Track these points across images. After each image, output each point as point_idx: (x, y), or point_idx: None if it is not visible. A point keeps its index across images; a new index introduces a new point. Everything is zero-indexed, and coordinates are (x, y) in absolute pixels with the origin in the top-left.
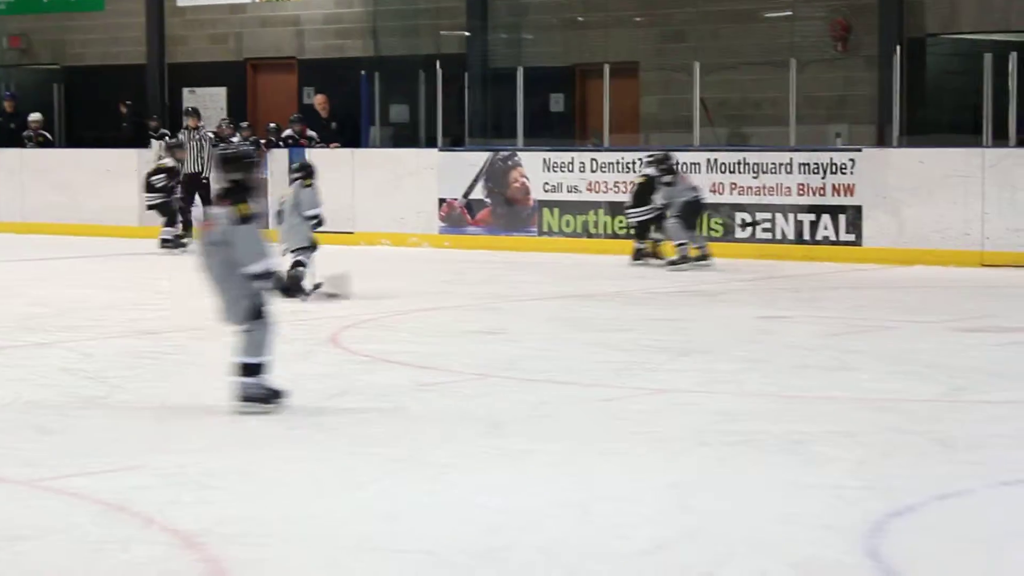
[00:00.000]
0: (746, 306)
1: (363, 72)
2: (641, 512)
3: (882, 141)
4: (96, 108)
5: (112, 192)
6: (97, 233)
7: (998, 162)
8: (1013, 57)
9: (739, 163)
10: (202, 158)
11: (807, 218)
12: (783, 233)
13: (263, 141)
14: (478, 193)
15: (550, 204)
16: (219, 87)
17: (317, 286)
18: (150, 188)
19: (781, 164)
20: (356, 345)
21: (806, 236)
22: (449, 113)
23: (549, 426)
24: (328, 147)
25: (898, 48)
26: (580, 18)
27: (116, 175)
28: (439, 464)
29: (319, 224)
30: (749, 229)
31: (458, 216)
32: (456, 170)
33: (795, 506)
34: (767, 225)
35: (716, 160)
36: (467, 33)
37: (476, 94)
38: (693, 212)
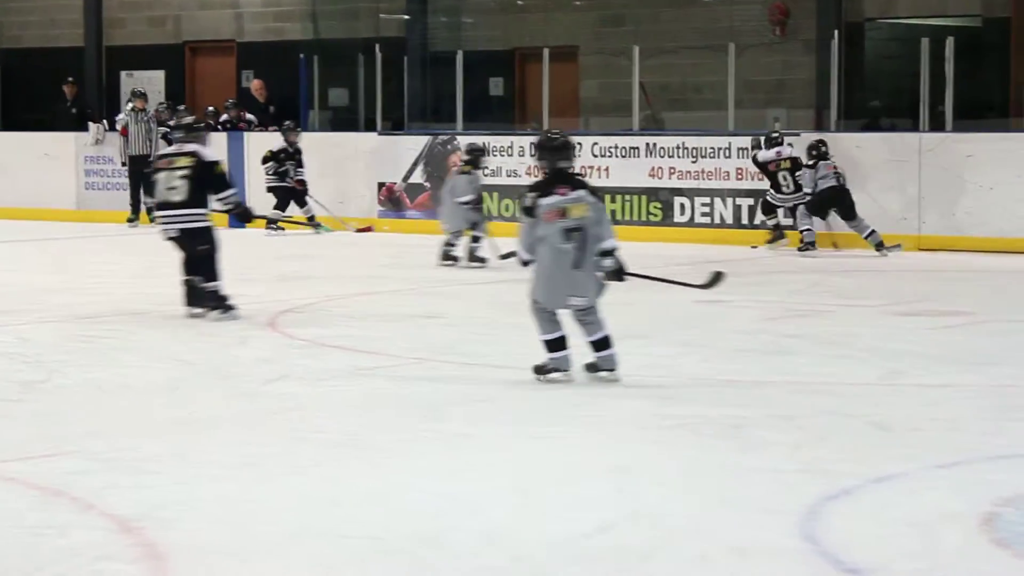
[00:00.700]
0: (684, 291)
1: (302, 55)
2: (581, 496)
3: (820, 125)
4: (33, 91)
5: (49, 175)
6: (34, 216)
7: (935, 146)
8: (950, 42)
9: (678, 147)
10: (149, 140)
11: (746, 202)
12: (722, 217)
13: (202, 125)
14: (417, 177)
15: (489, 188)
16: (157, 70)
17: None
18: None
19: (720, 148)
20: (294, 329)
21: (744, 220)
22: (388, 97)
23: (488, 410)
24: (266, 131)
25: (836, 32)
26: (520, 2)
27: (53, 158)
28: (379, 449)
29: (474, 206)
30: (688, 213)
31: (397, 200)
32: (395, 154)
33: (733, 490)
34: (706, 210)
35: (655, 144)
36: (406, 16)
37: (415, 78)
38: (830, 200)
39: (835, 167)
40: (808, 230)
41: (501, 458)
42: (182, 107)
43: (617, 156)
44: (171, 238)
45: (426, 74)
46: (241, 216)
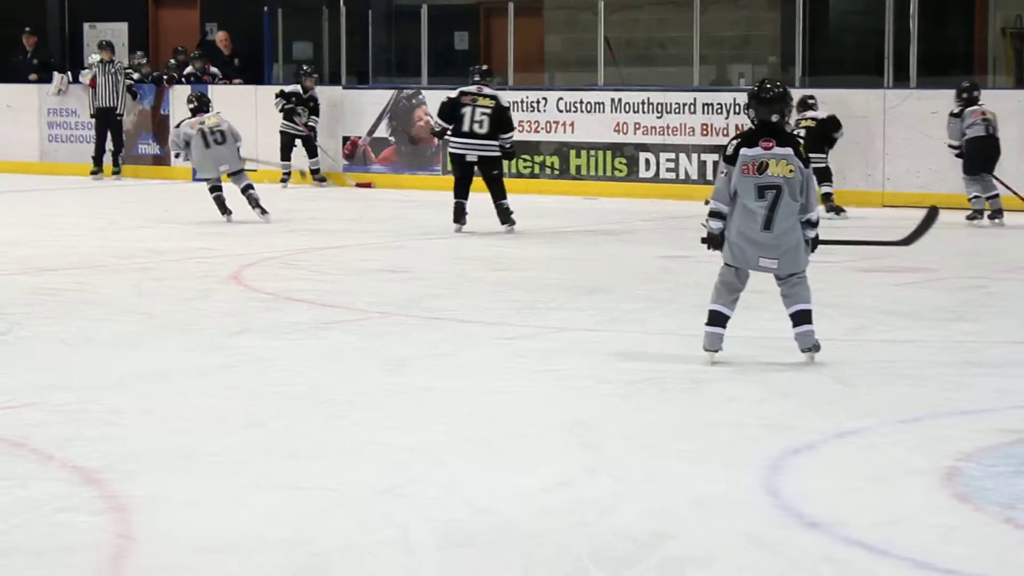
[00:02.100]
0: (649, 245)
1: (265, 8)
2: (543, 449)
3: (785, 82)
4: None
5: (11, 128)
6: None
7: (899, 103)
8: None
9: (643, 103)
10: (116, 92)
11: (710, 158)
12: (686, 173)
13: (165, 77)
14: (382, 131)
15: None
16: (121, 22)
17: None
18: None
19: (685, 104)
20: (258, 283)
21: (709, 176)
22: (353, 51)
23: (452, 364)
24: (231, 83)
25: None
26: None
27: (16, 110)
28: (341, 402)
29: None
30: (652, 169)
31: (362, 154)
32: (360, 108)
33: (696, 444)
34: (670, 165)
35: (620, 100)
36: None
37: (380, 31)
38: (983, 152)
39: (984, 113)
40: (976, 197)
41: (463, 411)
42: (140, 53)
43: (582, 111)
44: (470, 161)
45: (391, 28)
46: (507, 156)
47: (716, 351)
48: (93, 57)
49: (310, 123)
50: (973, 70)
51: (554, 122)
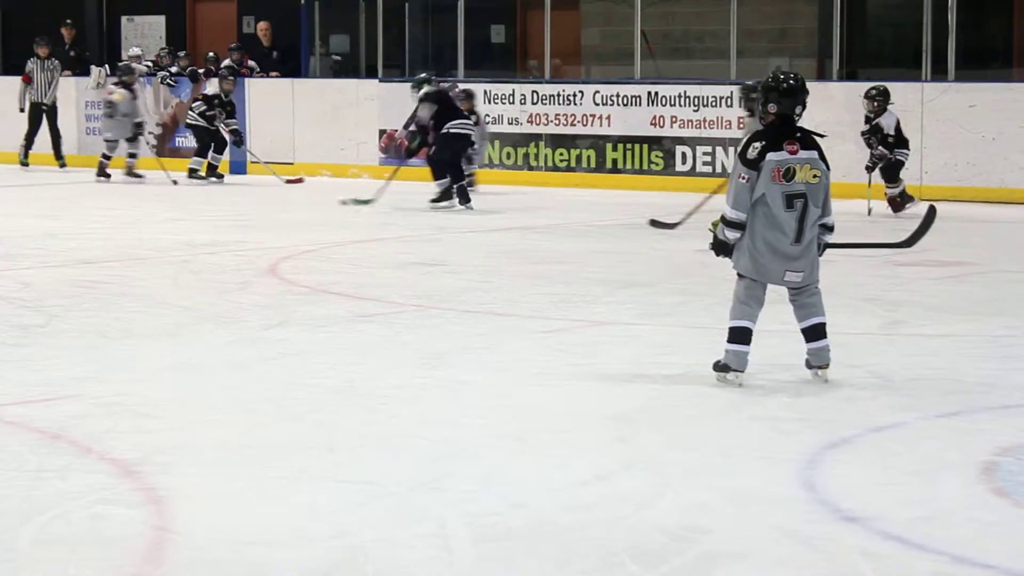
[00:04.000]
0: (686, 239)
1: (303, 1)
2: (580, 443)
3: (822, 75)
4: (34, 35)
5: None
6: (36, 161)
7: (937, 96)
8: None
9: (680, 96)
10: (52, 87)
11: None
12: (723, 167)
13: (201, 71)
14: None
15: (491, 136)
16: (158, 15)
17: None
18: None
19: (721, 97)
20: (295, 276)
21: None
22: (390, 44)
23: (488, 358)
24: (268, 77)
25: None
26: None
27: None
28: (378, 395)
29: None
30: (689, 162)
31: (398, 147)
32: (397, 101)
33: (732, 438)
34: (707, 159)
35: (657, 93)
36: None
37: (417, 25)
38: None
39: None
40: None
41: (500, 405)
42: (182, 53)
43: (619, 105)
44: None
45: (428, 21)
46: None
47: (743, 371)
48: (134, 50)
49: (232, 127)
50: (1012, 63)
51: (591, 115)
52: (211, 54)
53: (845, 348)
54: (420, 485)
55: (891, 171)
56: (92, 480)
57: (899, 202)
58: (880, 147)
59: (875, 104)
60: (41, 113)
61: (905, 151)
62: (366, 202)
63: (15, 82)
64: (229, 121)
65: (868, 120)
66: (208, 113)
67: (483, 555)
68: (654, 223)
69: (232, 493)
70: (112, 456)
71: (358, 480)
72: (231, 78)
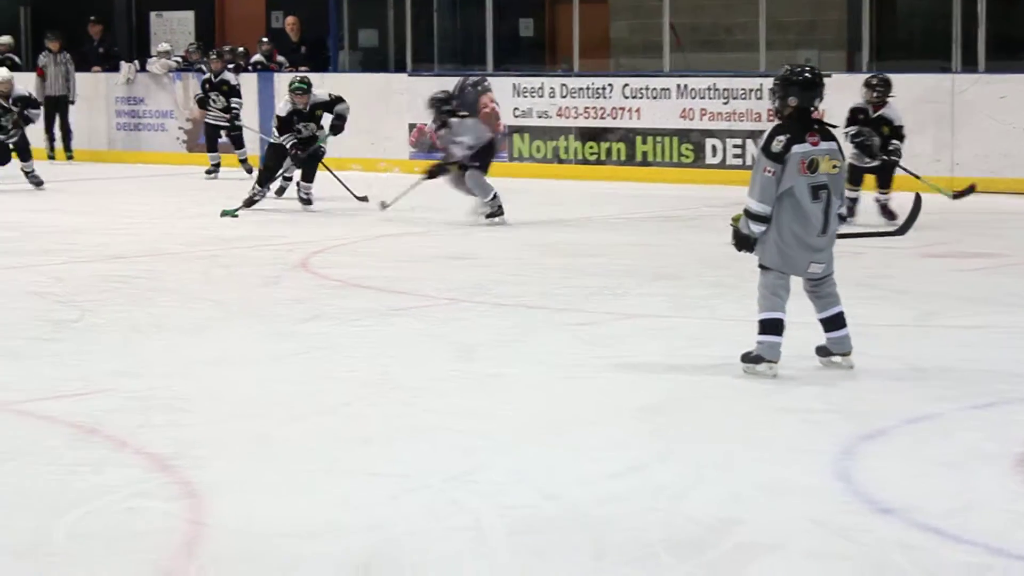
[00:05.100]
0: (716, 232)
1: None
2: (612, 435)
3: (852, 67)
4: (63, 31)
5: (79, 116)
6: (62, 157)
7: (968, 87)
8: None
9: (709, 89)
10: (66, 81)
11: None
12: (753, 159)
13: (232, 66)
14: None
15: (520, 130)
16: (187, 11)
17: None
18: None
19: (751, 90)
20: (326, 270)
21: None
22: (418, 38)
23: (520, 350)
24: (296, 71)
25: None
26: None
27: (84, 99)
28: (411, 388)
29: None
30: (719, 155)
31: (428, 141)
32: (426, 95)
33: (765, 429)
34: (737, 151)
35: (686, 86)
36: None
37: (445, 18)
38: None
39: None
40: None
41: (532, 397)
42: (228, 47)
43: (648, 98)
44: None
45: (456, 15)
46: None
47: (777, 362)
48: (163, 46)
49: (233, 107)
50: None
51: (620, 108)
52: (240, 48)
53: (878, 339)
54: (454, 478)
55: (888, 172)
56: (127, 474)
57: (892, 212)
58: (883, 142)
59: (875, 94)
60: (60, 107)
61: (899, 154)
62: (234, 213)
63: None
64: (236, 101)
65: (861, 113)
66: (198, 96)
67: (517, 547)
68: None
69: (266, 486)
70: (146, 450)
71: (392, 473)
72: (216, 56)
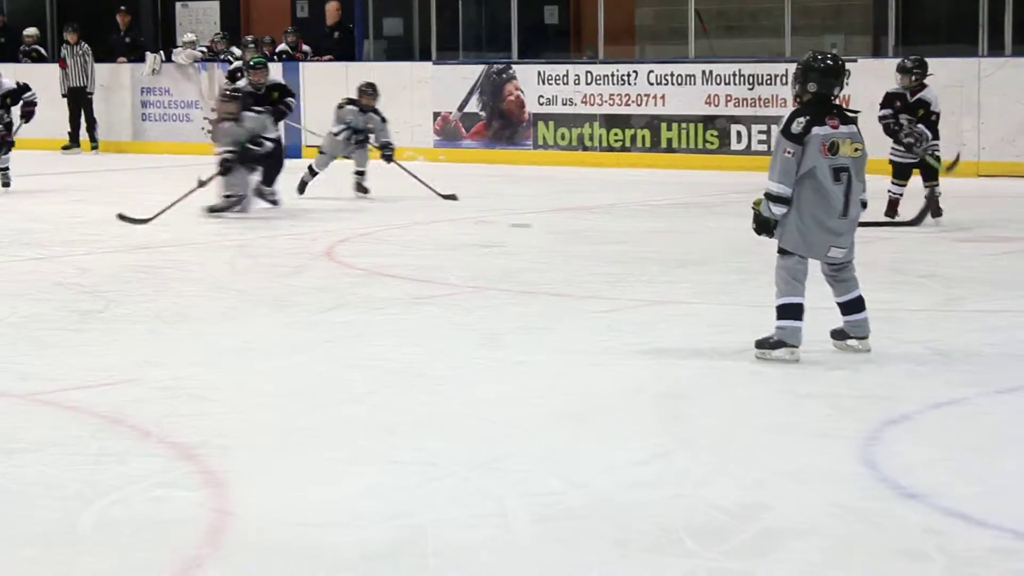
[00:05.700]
0: (741, 218)
1: None
2: (637, 422)
3: (878, 51)
4: (89, 22)
5: (105, 106)
6: (91, 148)
7: (994, 71)
8: None
9: (734, 75)
10: (86, 72)
11: None
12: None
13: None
14: (472, 107)
15: (545, 117)
16: (212, 1)
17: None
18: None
19: (776, 75)
20: (351, 259)
21: None
22: (443, 26)
23: (545, 338)
24: (321, 60)
25: None
26: None
27: (108, 90)
28: (436, 376)
29: None
30: (744, 141)
31: (453, 130)
32: (450, 84)
33: (790, 415)
34: (762, 137)
35: (711, 72)
36: None
37: (470, 7)
38: None
39: None
40: None
41: (557, 385)
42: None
43: (673, 84)
44: None
45: (481, 3)
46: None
47: (798, 346)
48: (188, 36)
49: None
50: None
51: (645, 95)
52: (267, 38)
53: (903, 324)
54: (479, 466)
55: (906, 166)
56: (152, 464)
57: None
58: (919, 127)
59: (912, 79)
60: (82, 98)
61: (937, 141)
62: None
63: None
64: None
65: (898, 99)
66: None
67: (542, 535)
68: (122, 217)
69: (291, 475)
70: (171, 440)
71: (417, 461)
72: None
